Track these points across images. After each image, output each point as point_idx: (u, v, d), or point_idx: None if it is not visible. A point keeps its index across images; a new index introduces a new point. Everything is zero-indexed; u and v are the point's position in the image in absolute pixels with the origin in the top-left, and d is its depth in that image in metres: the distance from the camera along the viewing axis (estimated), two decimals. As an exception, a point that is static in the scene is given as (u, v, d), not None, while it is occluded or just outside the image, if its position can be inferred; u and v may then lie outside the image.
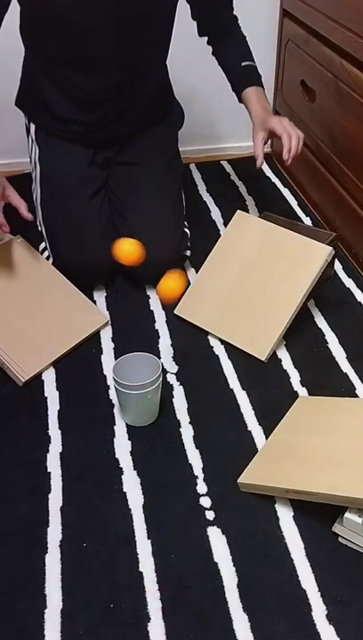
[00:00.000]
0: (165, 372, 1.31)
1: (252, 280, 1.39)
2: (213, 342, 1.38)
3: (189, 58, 1.69)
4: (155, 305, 1.49)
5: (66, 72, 1.39)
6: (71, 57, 1.37)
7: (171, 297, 1.21)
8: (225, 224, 1.75)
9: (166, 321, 1.44)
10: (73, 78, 1.39)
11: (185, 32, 1.47)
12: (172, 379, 1.30)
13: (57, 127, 1.49)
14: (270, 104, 1.51)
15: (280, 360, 1.33)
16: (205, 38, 1.55)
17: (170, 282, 1.21)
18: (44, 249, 1.54)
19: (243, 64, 1.51)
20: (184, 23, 1.45)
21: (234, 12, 1.51)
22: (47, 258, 1.52)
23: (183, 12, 1.44)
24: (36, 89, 1.47)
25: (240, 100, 1.52)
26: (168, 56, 1.54)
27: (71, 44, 1.34)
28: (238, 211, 1.47)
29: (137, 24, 1.33)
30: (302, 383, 1.28)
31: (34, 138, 1.54)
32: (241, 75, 1.51)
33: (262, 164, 1.42)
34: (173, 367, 1.32)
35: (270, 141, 2.11)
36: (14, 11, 1.33)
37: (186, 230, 1.60)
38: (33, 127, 1.54)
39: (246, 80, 1.50)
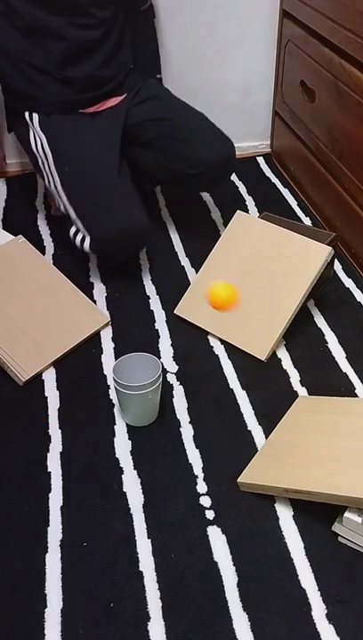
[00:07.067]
0: (165, 371, 1.31)
1: (252, 280, 1.39)
2: (213, 342, 1.38)
3: (189, 58, 1.69)
4: (155, 305, 1.49)
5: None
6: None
7: (225, 307, 1.36)
8: (225, 224, 1.75)
9: (166, 321, 1.44)
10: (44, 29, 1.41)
11: (185, 32, 1.47)
12: (172, 379, 1.30)
13: (55, 101, 1.51)
14: None
15: (280, 360, 1.34)
16: (203, 41, 1.57)
17: (221, 291, 1.36)
18: (76, 232, 1.49)
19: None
20: (184, 24, 1.45)
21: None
22: (82, 240, 1.47)
23: (182, 13, 1.44)
24: (20, 78, 1.49)
25: None
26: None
27: None
28: (238, 211, 1.47)
29: None
30: (302, 383, 1.28)
31: (38, 128, 1.54)
32: None
33: None
34: (173, 367, 1.32)
35: (269, 141, 2.12)
36: None
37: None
38: (36, 117, 1.54)
39: None
